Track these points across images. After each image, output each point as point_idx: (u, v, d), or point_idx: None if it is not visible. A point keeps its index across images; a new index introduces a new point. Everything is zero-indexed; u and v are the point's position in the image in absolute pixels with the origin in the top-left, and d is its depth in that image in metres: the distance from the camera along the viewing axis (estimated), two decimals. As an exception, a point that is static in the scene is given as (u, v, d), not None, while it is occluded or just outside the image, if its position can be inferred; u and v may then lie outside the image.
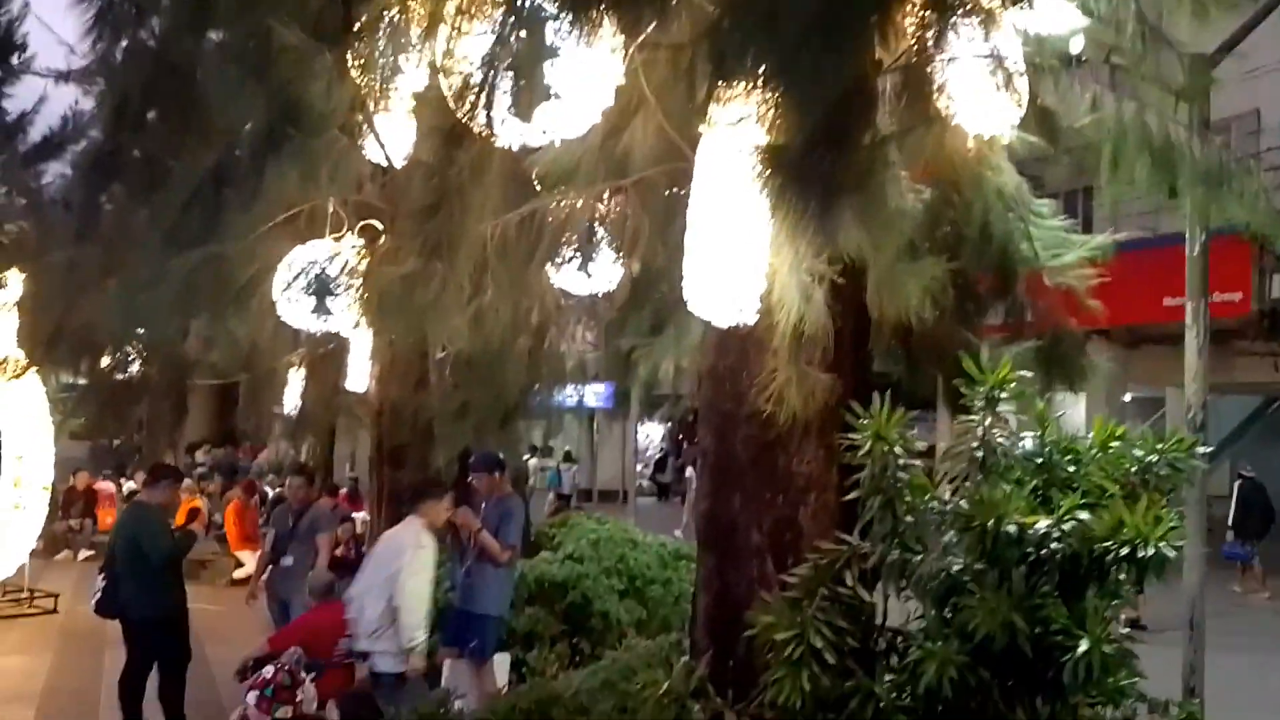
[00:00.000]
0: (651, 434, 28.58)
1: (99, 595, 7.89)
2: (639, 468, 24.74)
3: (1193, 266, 6.29)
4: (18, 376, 11.79)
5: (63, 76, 13.90)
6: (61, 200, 12.67)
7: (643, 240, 5.82)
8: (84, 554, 16.49)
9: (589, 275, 6.03)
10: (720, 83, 3.31)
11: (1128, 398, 18.35)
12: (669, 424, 27.51)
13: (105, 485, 18.81)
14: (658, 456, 27.83)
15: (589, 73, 3.81)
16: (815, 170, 3.08)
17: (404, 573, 6.24)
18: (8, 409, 12.56)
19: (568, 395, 10.08)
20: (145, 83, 7.98)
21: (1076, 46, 5.13)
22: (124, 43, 8.56)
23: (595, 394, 16.05)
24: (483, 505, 7.60)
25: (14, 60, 17.21)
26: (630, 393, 10.23)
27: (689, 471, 23.47)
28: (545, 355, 8.46)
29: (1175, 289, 13.35)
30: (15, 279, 12.50)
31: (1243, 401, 20.23)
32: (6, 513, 12.67)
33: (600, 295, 6.84)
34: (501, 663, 7.28)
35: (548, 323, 8.32)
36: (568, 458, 23.41)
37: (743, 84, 3.15)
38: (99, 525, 17.21)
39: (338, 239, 7.23)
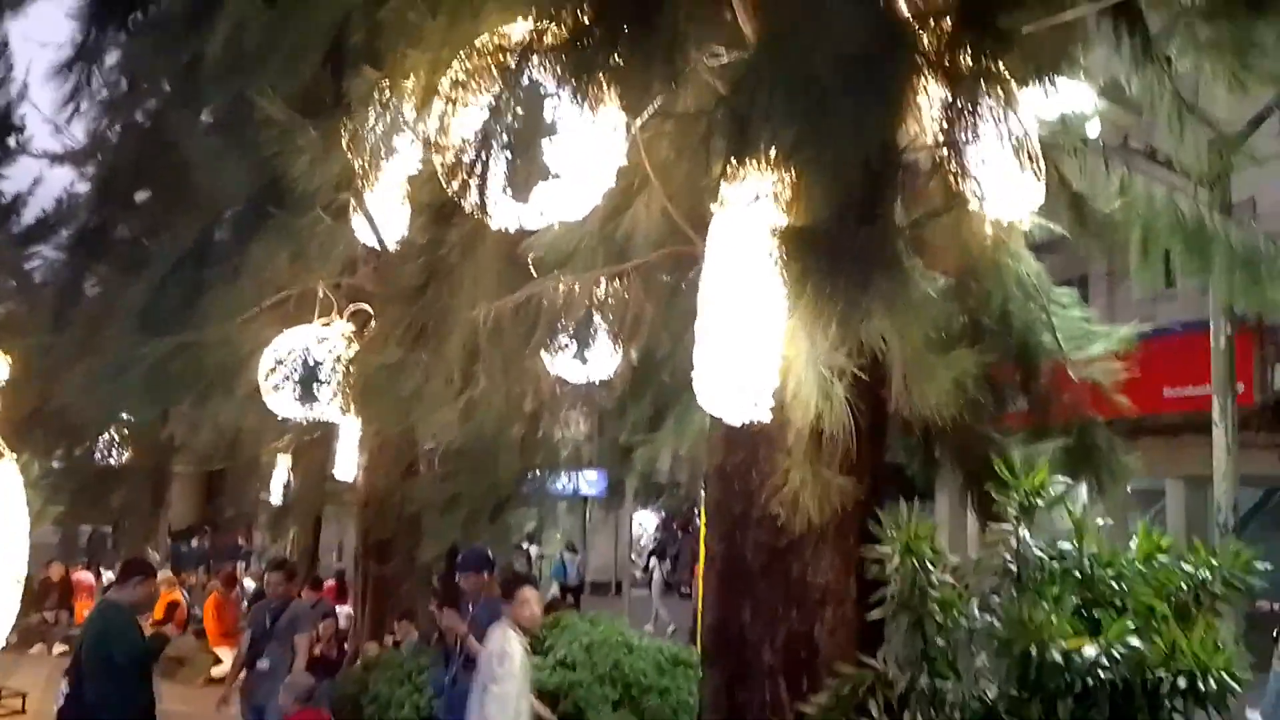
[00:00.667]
0: (645, 523, 28.02)
1: (62, 700, 7.40)
2: (633, 557, 24.16)
3: (1218, 359, 6.00)
4: (-11, 463, 11.40)
5: (58, 158, 13.80)
6: (48, 282, 12.47)
7: (644, 327, 5.54)
8: (59, 649, 15.84)
9: (586, 362, 5.75)
10: (735, 158, 3.04)
11: (1128, 489, 18.07)
12: (664, 514, 26.98)
13: (84, 575, 18.22)
14: (651, 547, 27.26)
15: (590, 151, 3.55)
16: (840, 253, 2.79)
17: (492, 684, 5.78)
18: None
19: (561, 483, 9.71)
20: (133, 159, 7.81)
21: (1094, 129, 4.93)
22: (113, 121, 8.45)
23: (588, 481, 15.63)
24: (470, 607, 7.16)
25: (11, 142, 17.23)
26: (625, 481, 9.86)
27: (652, 562, 22.94)
28: (539, 443, 8.12)
29: (1175, 379, 13.17)
30: (2, 361, 12.22)
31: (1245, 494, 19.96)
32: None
33: (597, 382, 6.55)
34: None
35: (542, 410, 8.01)
36: (570, 548, 22.85)
37: (762, 158, 2.88)
38: (76, 618, 16.59)
39: (326, 323, 6.95)
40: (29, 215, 17.25)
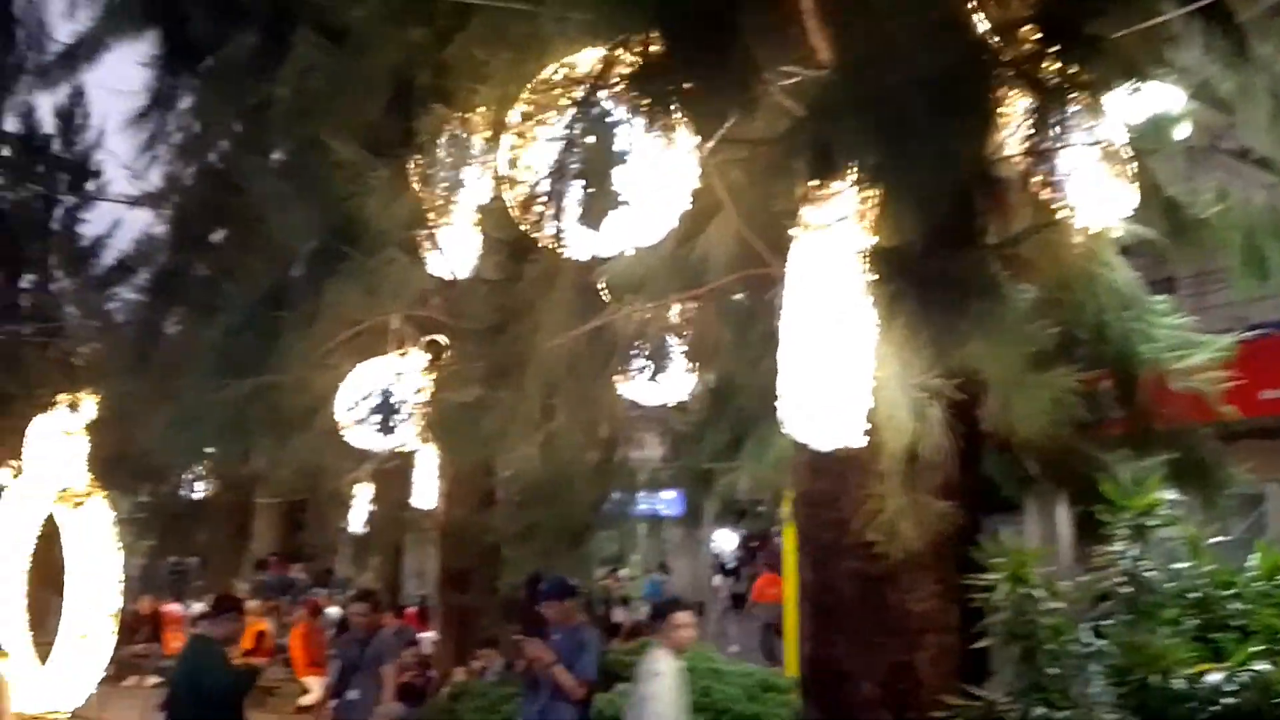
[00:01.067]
0: (726, 543, 27.77)
1: None
2: (717, 580, 23.94)
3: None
4: (79, 504, 11.67)
5: (135, 202, 14.13)
6: (127, 323, 12.74)
7: (720, 351, 5.47)
8: (152, 680, 16.16)
9: (661, 386, 5.69)
10: (816, 181, 2.96)
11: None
12: (745, 534, 26.73)
13: (173, 608, 18.56)
14: (731, 565, 27.04)
15: (662, 177, 3.51)
16: (933, 275, 2.68)
17: (642, 703, 5.90)
18: (75, 534, 12.39)
19: (640, 506, 9.65)
20: (207, 202, 7.94)
21: (1185, 131, 4.74)
22: (188, 165, 8.60)
23: (667, 502, 15.51)
24: (554, 636, 7.11)
25: (90, 187, 17.78)
26: (704, 503, 9.75)
27: (716, 579, 22.66)
28: (616, 468, 8.06)
29: (1272, 381, 12.69)
30: (89, 402, 12.51)
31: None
32: (75, 641, 12.41)
33: (673, 405, 6.48)
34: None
35: (618, 435, 7.96)
36: (663, 568, 22.74)
37: (844, 180, 2.79)
38: (166, 650, 16.90)
39: (402, 355, 6.98)
40: (109, 258, 17.81)
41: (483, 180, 4.44)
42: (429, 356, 6.96)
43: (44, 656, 12.45)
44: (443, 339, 7.15)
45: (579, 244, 3.61)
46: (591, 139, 3.46)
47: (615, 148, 3.45)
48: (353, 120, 4.94)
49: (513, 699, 7.69)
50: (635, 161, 3.46)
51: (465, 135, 4.46)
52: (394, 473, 11.08)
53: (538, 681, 6.99)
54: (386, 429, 6.74)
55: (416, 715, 9.33)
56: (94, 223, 18.40)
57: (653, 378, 5.62)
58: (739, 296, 5.18)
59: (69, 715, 12.37)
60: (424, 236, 5.04)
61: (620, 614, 17.11)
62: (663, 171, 3.46)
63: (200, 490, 11.60)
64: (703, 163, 3.53)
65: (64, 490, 11.74)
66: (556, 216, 3.56)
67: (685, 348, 5.45)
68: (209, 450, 8.59)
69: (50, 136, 17.58)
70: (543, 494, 7.41)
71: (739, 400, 5.98)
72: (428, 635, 13.03)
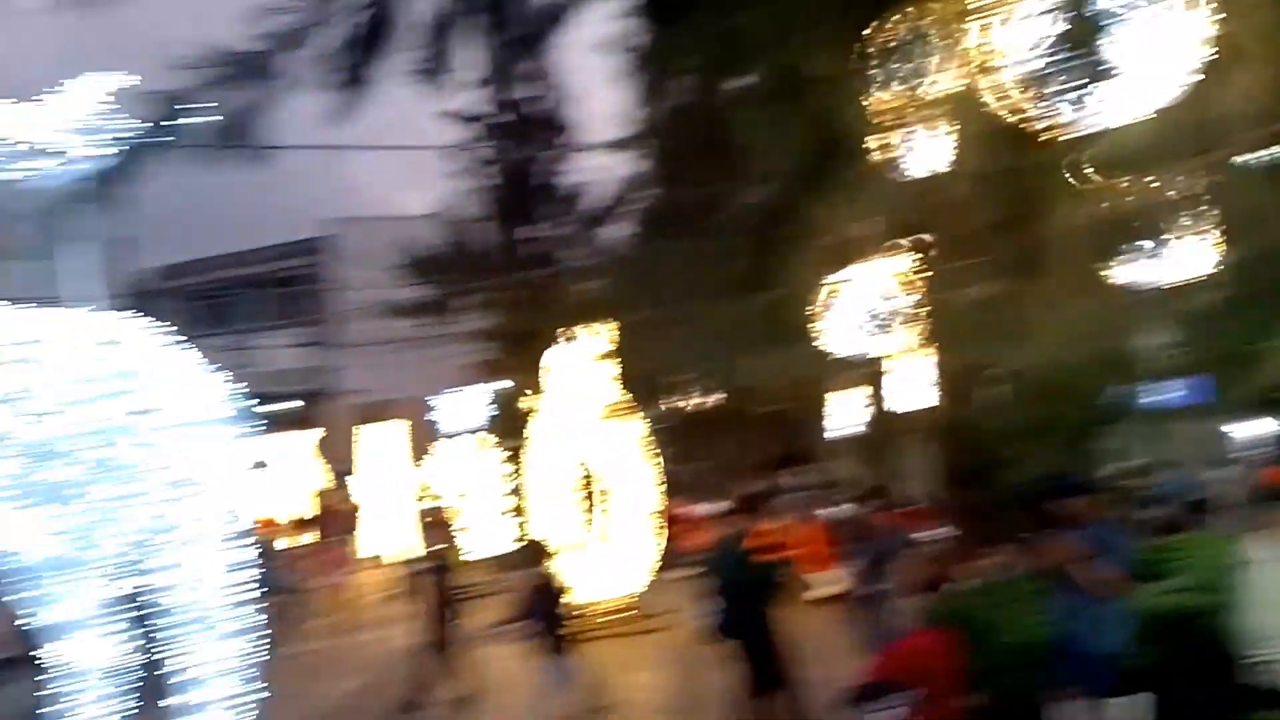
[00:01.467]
0: (1246, 431, 24.68)
1: (712, 618, 8.24)
2: (1235, 471, 21.44)
3: None
4: (618, 417, 13.26)
5: (615, 145, 15.35)
6: (628, 257, 14.00)
7: (1246, 218, 4.89)
8: (683, 573, 17.85)
9: (1171, 265, 5.23)
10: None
11: None
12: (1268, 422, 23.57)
13: (692, 509, 20.24)
14: (1252, 455, 23.95)
15: (1164, 36, 3.22)
16: None
17: (1245, 586, 5.96)
18: (615, 446, 14.09)
19: (1155, 397, 8.94)
20: (687, 138, 8.46)
21: None
22: (665, 104, 9.20)
23: (1175, 389, 14.21)
24: (1080, 533, 6.86)
25: (568, 138, 19.73)
26: (1231, 389, 8.77)
27: (1233, 471, 19.96)
28: (1121, 359, 7.51)
29: None
30: (603, 331, 14.11)
31: None
32: (627, 539, 14.29)
33: (1188, 284, 5.93)
34: (1136, 705, 6.45)
35: (1123, 323, 7.40)
36: (1194, 462, 20.98)
37: None
38: (686, 547, 18.50)
39: (887, 260, 6.98)
40: (596, 201, 19.71)
41: (957, 73, 4.33)
42: (918, 258, 6.93)
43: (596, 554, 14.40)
44: (930, 239, 7.06)
45: (1073, 122, 3.44)
46: (1078, 6, 3.26)
47: (1107, 12, 3.22)
48: (818, 35, 4.99)
49: (1036, 596, 7.54)
50: (1131, 24, 3.21)
51: (932, 30, 4.36)
52: (889, 375, 11.25)
53: (1066, 579, 6.80)
54: (879, 334, 6.84)
55: (933, 609, 9.47)
56: (573, 172, 20.54)
57: (1161, 257, 5.19)
58: (1266, 154, 4.60)
59: (631, 600, 14.30)
60: (900, 139, 5.01)
61: (1143, 511, 16.02)
62: (1166, 29, 3.18)
63: (709, 401, 12.54)
64: (1218, 11, 3.18)
65: (606, 407, 13.48)
66: (1046, 98, 3.42)
67: (1202, 219, 4.96)
68: (713, 369, 9.24)
69: (537, 98, 19.67)
70: (1045, 390, 7.11)
71: (1271, 273, 5.32)
72: (937, 532, 13.09)
